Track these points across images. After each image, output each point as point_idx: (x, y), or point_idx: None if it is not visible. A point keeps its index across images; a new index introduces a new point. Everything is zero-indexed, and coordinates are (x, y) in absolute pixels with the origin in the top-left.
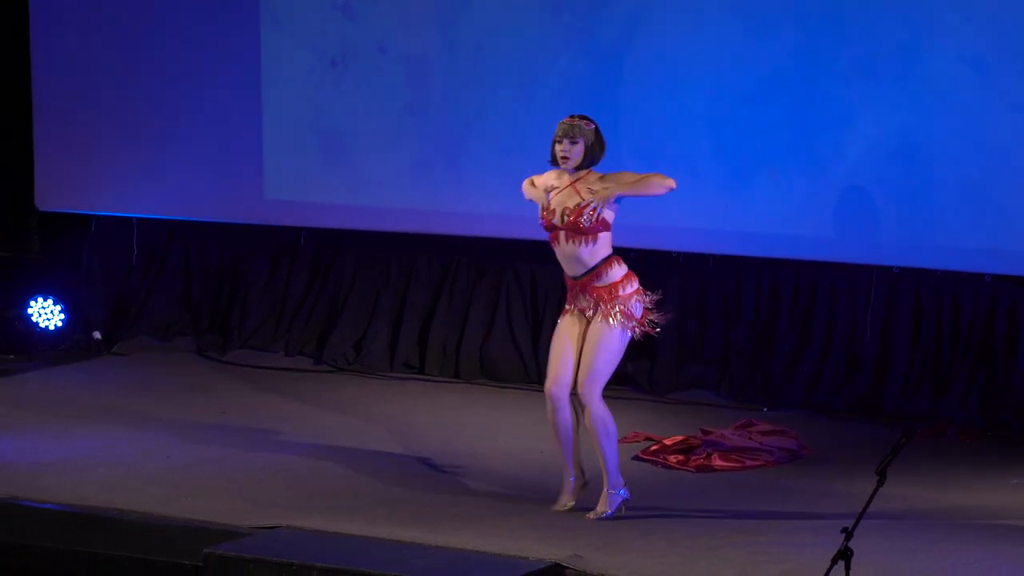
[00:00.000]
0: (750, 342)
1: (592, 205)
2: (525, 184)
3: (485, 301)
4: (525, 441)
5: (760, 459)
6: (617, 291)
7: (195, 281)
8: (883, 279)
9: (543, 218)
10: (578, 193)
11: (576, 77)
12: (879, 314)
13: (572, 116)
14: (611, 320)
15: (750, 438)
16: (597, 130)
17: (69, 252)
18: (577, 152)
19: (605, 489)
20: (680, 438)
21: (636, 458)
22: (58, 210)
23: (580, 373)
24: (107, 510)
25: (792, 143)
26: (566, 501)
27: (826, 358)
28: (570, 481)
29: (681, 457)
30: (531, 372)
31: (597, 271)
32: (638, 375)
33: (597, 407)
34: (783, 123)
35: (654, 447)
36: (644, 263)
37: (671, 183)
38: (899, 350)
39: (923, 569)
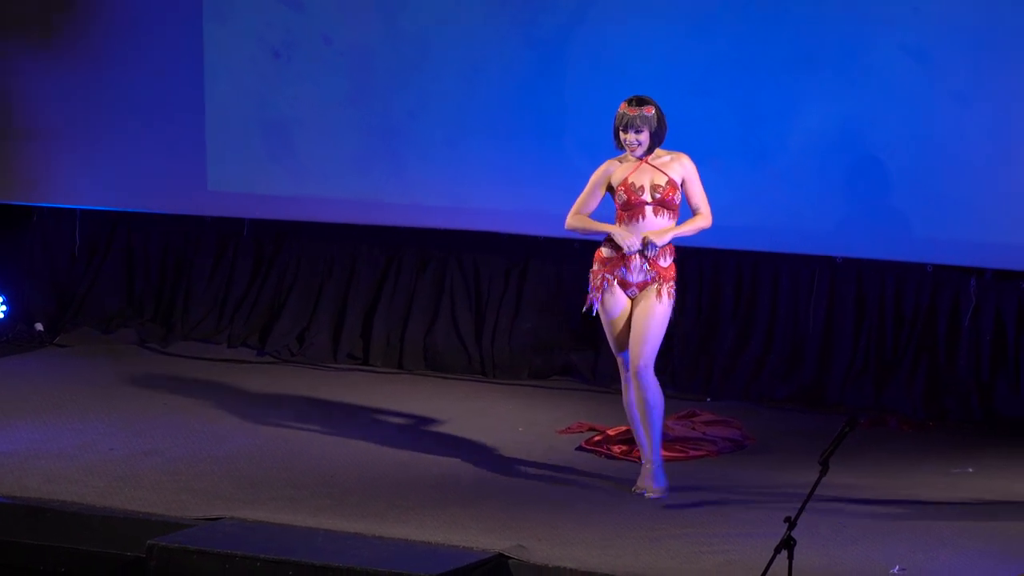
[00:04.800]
0: (693, 332)
1: (676, 186)
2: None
3: (429, 292)
4: (469, 432)
5: (703, 449)
6: (673, 271)
7: (138, 273)
8: (825, 269)
9: (628, 194)
10: (658, 169)
11: (520, 67)
12: (822, 304)
13: (631, 102)
14: (667, 296)
15: (693, 428)
16: (658, 112)
17: (11, 244)
18: (644, 140)
19: (654, 468)
20: (624, 428)
21: (580, 448)
22: None
23: (640, 345)
24: (50, 502)
25: (735, 134)
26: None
27: (769, 348)
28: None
29: (625, 447)
30: (475, 363)
31: (666, 249)
32: (582, 365)
33: (654, 378)
34: (726, 113)
35: (597, 437)
36: (587, 254)
37: (707, 226)
38: (842, 340)
39: (865, 557)
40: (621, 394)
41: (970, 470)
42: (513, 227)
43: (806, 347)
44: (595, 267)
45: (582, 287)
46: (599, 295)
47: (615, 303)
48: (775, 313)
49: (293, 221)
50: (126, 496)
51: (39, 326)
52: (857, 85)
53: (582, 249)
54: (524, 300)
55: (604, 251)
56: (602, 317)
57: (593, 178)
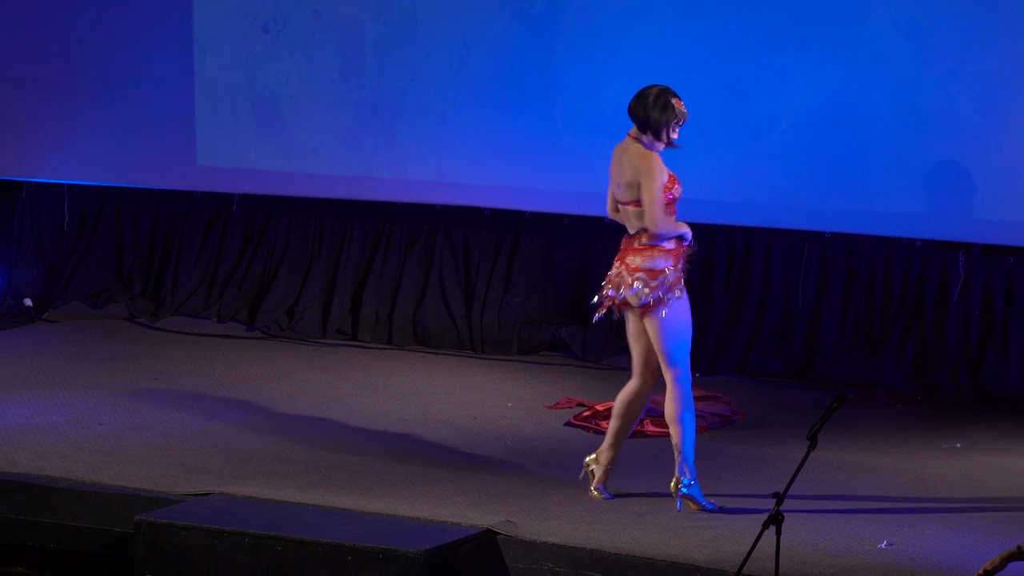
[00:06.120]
0: None
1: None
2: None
3: (418, 267)
4: (458, 407)
5: None
6: None
7: (127, 247)
8: (815, 244)
9: (677, 189)
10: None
11: (510, 43)
12: (812, 279)
13: (679, 98)
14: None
15: None
16: None
17: (0, 219)
18: None
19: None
20: (612, 403)
21: (568, 424)
22: None
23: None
24: (38, 477)
25: (726, 109)
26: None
27: (759, 323)
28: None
29: None
30: (464, 338)
31: None
32: (571, 341)
33: None
34: (717, 89)
35: (586, 412)
36: (579, 230)
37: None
38: (831, 315)
39: (853, 532)
40: (665, 401)
41: (959, 445)
42: (503, 202)
43: (796, 322)
44: (670, 264)
45: (571, 262)
46: (680, 294)
47: (687, 302)
48: (765, 289)
49: (282, 196)
50: (115, 471)
51: (28, 302)
52: (848, 61)
53: (572, 225)
54: (513, 276)
55: (668, 244)
56: (676, 320)
57: (661, 166)
